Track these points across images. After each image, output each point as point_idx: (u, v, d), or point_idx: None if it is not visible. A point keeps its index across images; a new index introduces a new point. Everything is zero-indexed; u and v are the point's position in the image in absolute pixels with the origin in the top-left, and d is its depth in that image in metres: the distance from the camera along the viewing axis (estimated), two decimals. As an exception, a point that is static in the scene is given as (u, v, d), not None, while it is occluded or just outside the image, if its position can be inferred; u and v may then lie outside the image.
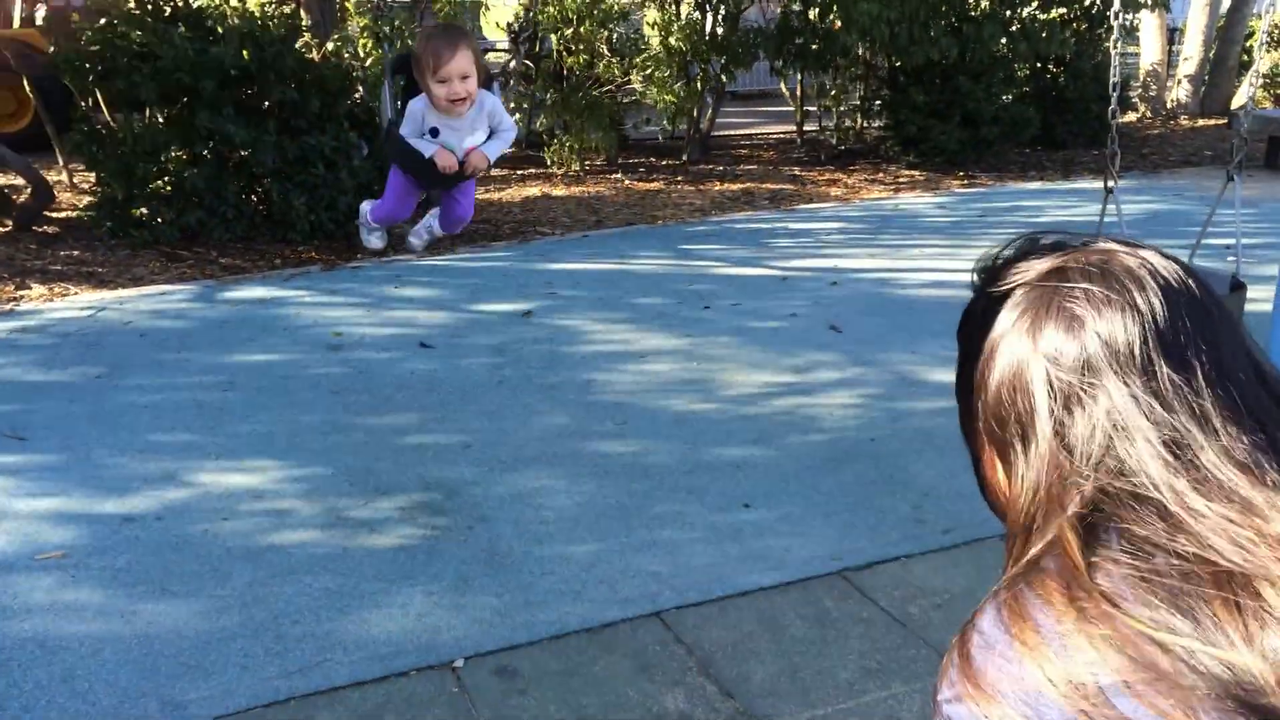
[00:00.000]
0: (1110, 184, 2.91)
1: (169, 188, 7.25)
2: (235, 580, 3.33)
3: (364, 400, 4.80)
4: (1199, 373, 0.82)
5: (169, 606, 3.20)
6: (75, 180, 9.41)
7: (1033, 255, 0.94)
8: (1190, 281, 0.87)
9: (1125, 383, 0.82)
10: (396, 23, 8.51)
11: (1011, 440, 0.88)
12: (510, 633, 3.07)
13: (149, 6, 7.60)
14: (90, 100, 7.84)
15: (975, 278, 0.99)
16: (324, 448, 4.30)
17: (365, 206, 4.06)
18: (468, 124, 3.48)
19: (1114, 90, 3.16)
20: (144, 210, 7.29)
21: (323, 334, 5.71)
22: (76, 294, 6.45)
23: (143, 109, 7.41)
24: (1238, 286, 2.81)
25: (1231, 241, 3.13)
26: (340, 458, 4.21)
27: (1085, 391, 0.84)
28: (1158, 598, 0.77)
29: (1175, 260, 0.90)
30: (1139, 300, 0.85)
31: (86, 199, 8.33)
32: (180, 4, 7.83)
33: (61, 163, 9.41)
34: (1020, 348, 0.88)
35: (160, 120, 7.28)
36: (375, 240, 4.11)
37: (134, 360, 5.29)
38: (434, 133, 3.49)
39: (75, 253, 7.34)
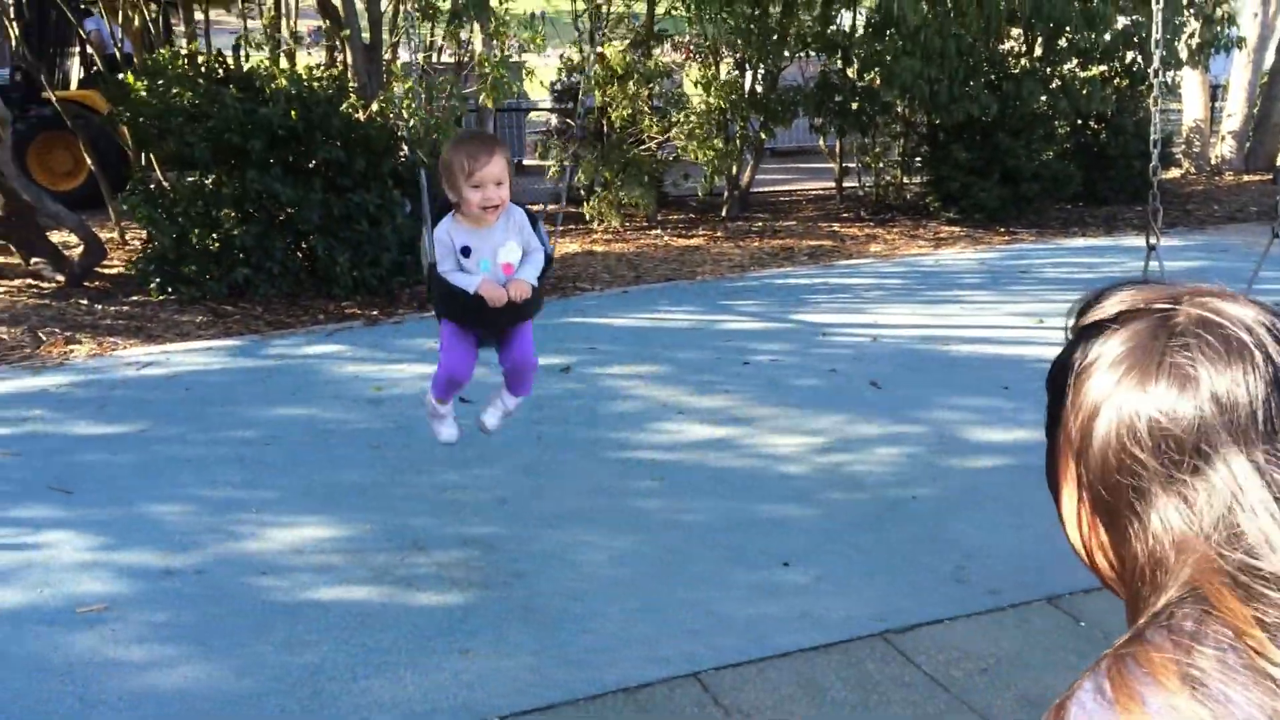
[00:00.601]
0: (1153, 240, 2.87)
1: (217, 245, 7.39)
2: (273, 635, 3.34)
3: (403, 455, 4.82)
4: None
5: (208, 661, 3.20)
6: (127, 236, 9.62)
7: (1133, 302, 0.86)
8: None
9: (1244, 450, 0.76)
10: (442, 83, 8.69)
11: (1119, 506, 0.82)
12: (547, 692, 3.04)
13: (202, 69, 7.81)
14: (144, 159, 8.04)
15: (1070, 324, 0.91)
16: (363, 503, 4.32)
17: (427, 395, 3.70)
18: (498, 235, 3.27)
19: (1155, 147, 3.14)
20: (193, 267, 7.43)
21: (363, 389, 5.76)
22: (125, 349, 6.56)
23: (194, 168, 7.58)
24: None
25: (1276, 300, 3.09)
26: (379, 513, 4.22)
27: (1201, 459, 0.77)
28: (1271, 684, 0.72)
29: None
30: (1258, 358, 0.77)
31: (137, 255, 8.51)
32: (231, 66, 8.04)
33: (114, 219, 9.63)
34: (1127, 407, 0.80)
35: (210, 179, 7.44)
36: (446, 431, 3.70)
37: (179, 414, 5.36)
38: (465, 251, 3.25)
39: (124, 308, 7.48)
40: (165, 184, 7.85)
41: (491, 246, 3.26)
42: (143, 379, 5.96)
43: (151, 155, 8.01)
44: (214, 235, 7.40)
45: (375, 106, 7.91)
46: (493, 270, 3.28)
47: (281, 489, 4.45)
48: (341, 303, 7.59)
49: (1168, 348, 0.80)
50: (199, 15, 10.74)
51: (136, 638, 3.33)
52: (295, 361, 6.30)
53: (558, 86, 12.87)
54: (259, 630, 3.37)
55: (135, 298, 7.68)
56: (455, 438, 3.74)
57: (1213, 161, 14.35)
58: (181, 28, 11.12)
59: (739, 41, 10.57)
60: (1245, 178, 13.73)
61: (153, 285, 7.54)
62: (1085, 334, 0.88)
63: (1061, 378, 0.89)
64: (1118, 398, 0.81)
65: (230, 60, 8.48)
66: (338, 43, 9.27)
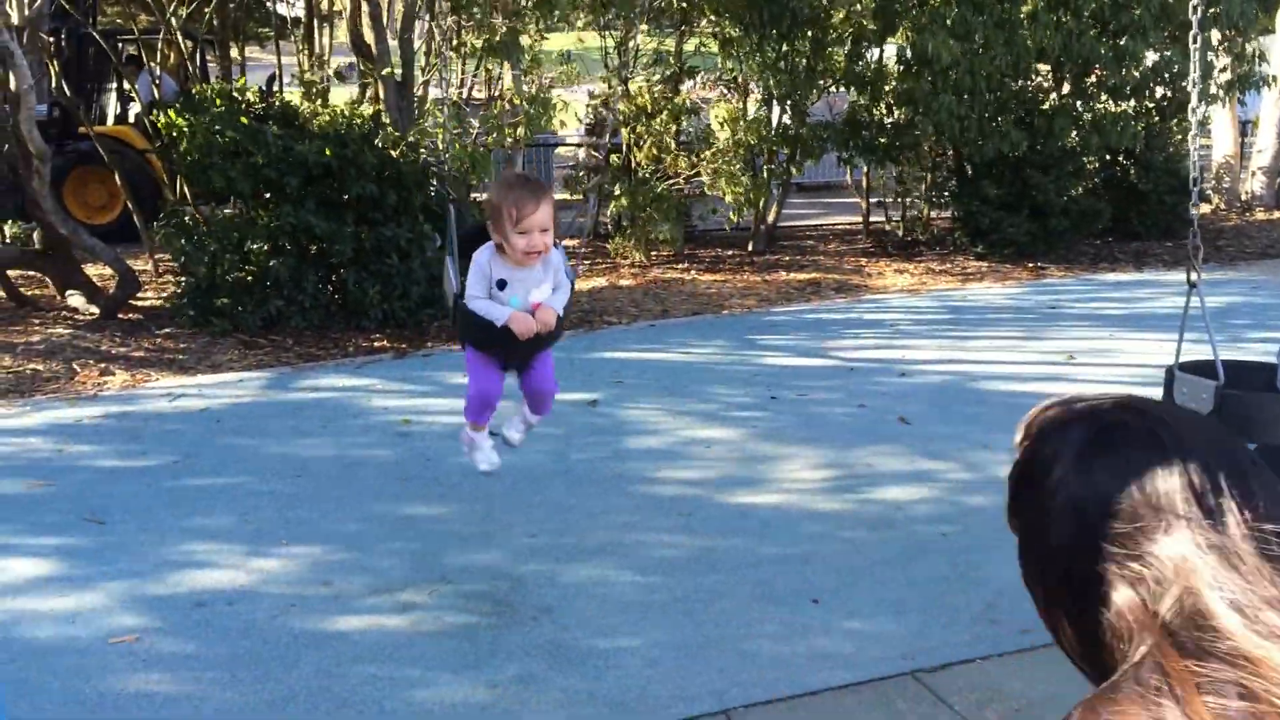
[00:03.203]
0: (1194, 278, 2.86)
1: (250, 278, 7.48)
2: (302, 668, 3.34)
3: (431, 488, 4.83)
4: (1240, 522, 0.86)
5: (237, 693, 3.21)
6: (160, 269, 9.75)
7: (1072, 414, 0.98)
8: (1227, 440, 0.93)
9: (1186, 529, 0.86)
10: (482, 118, 8.78)
11: (1077, 588, 0.91)
12: (574, 728, 3.03)
13: (243, 105, 7.95)
14: (179, 193, 8.17)
15: (1017, 440, 1.01)
16: (391, 535, 4.33)
17: (463, 429, 3.75)
18: (535, 275, 3.32)
19: (1194, 185, 3.13)
20: (226, 299, 7.52)
21: (392, 421, 5.79)
22: (157, 380, 6.63)
23: (230, 202, 7.69)
24: None
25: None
26: (407, 546, 4.23)
27: (1144, 537, 0.87)
28: None
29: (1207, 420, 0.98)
30: (1177, 453, 0.89)
31: (170, 288, 8.63)
32: (271, 103, 8.17)
33: (148, 253, 9.77)
34: (1074, 493, 0.91)
35: (245, 213, 7.55)
36: (484, 459, 3.70)
37: (210, 446, 5.40)
38: (501, 284, 3.30)
39: (158, 340, 7.57)
40: (199, 217, 7.96)
41: (526, 286, 3.32)
42: (175, 411, 6.02)
43: (186, 189, 8.14)
44: (246, 268, 7.49)
45: (410, 140, 8.01)
46: (522, 305, 3.33)
47: (310, 521, 4.47)
48: (371, 335, 7.66)
49: (1108, 445, 0.92)
50: (235, 53, 10.93)
51: (167, 669, 3.34)
52: (325, 394, 6.35)
53: (588, 122, 12.99)
54: (288, 662, 3.38)
55: (168, 330, 7.77)
56: (495, 465, 3.75)
57: (1243, 197, 14.26)
58: (216, 66, 11.33)
59: (768, 77, 10.63)
60: (1276, 214, 13.63)
61: (186, 318, 7.64)
62: (1033, 443, 0.99)
63: (1021, 492, 1.01)
64: (1069, 487, 0.92)
65: (264, 97, 8.62)
66: (371, 79, 9.41)
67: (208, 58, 12.40)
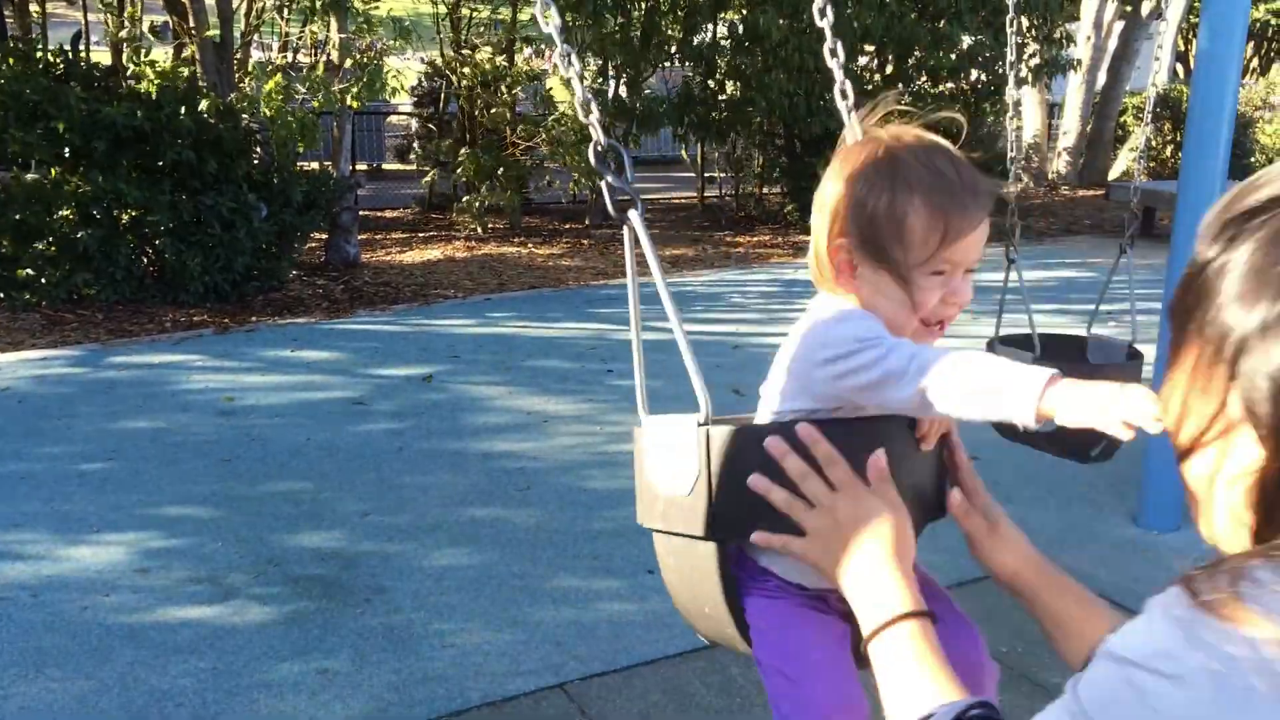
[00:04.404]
0: (1012, 254, 3.02)
1: (54, 248, 7.00)
2: (116, 661, 3.17)
3: (256, 468, 4.65)
4: None
5: (44, 689, 3.01)
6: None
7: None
8: None
9: None
10: (311, 79, 8.44)
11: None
12: (408, 710, 2.97)
13: (40, 65, 7.41)
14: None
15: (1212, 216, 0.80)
16: (213, 518, 4.15)
17: None
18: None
19: (1012, 164, 3.30)
20: (29, 270, 7.03)
21: (214, 399, 5.54)
22: (-49, 358, 6.15)
23: (30, 168, 7.17)
24: (1135, 355, 2.91)
25: (1114, 308, 3.26)
26: (231, 529, 4.06)
27: None
28: None
29: None
30: None
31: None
32: (75, 64, 7.64)
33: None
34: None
35: (50, 178, 7.05)
36: None
37: (11, 428, 5.05)
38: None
39: (-49, 315, 7.02)
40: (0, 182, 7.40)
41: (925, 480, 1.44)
42: (-29, 391, 5.60)
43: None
44: (51, 238, 7.01)
45: (231, 104, 7.64)
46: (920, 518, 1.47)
47: (126, 506, 4.24)
48: (190, 310, 7.30)
49: None
50: (35, 8, 10.20)
51: (-37, 668, 3.11)
52: (140, 371, 6.02)
53: (419, 90, 12.69)
54: (100, 656, 3.19)
55: (-38, 304, 7.22)
56: None
57: (1050, 177, 15.11)
58: (15, 23, 10.54)
59: (602, 49, 10.61)
60: (1080, 192, 14.51)
61: (-18, 290, 7.11)
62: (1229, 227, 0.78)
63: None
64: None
65: (69, 55, 8.06)
66: (186, 39, 8.92)
67: (5, 13, 11.50)
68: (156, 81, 7.45)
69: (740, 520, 1.28)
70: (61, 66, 7.60)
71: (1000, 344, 2.92)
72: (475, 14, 12.05)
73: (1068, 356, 2.97)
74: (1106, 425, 1.06)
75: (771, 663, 1.36)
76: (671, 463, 1.43)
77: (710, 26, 11.28)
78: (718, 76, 10.86)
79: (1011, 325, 3.17)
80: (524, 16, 11.58)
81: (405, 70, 11.79)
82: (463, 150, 10.67)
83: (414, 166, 12.19)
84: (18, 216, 6.93)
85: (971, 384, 1.17)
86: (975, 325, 3.14)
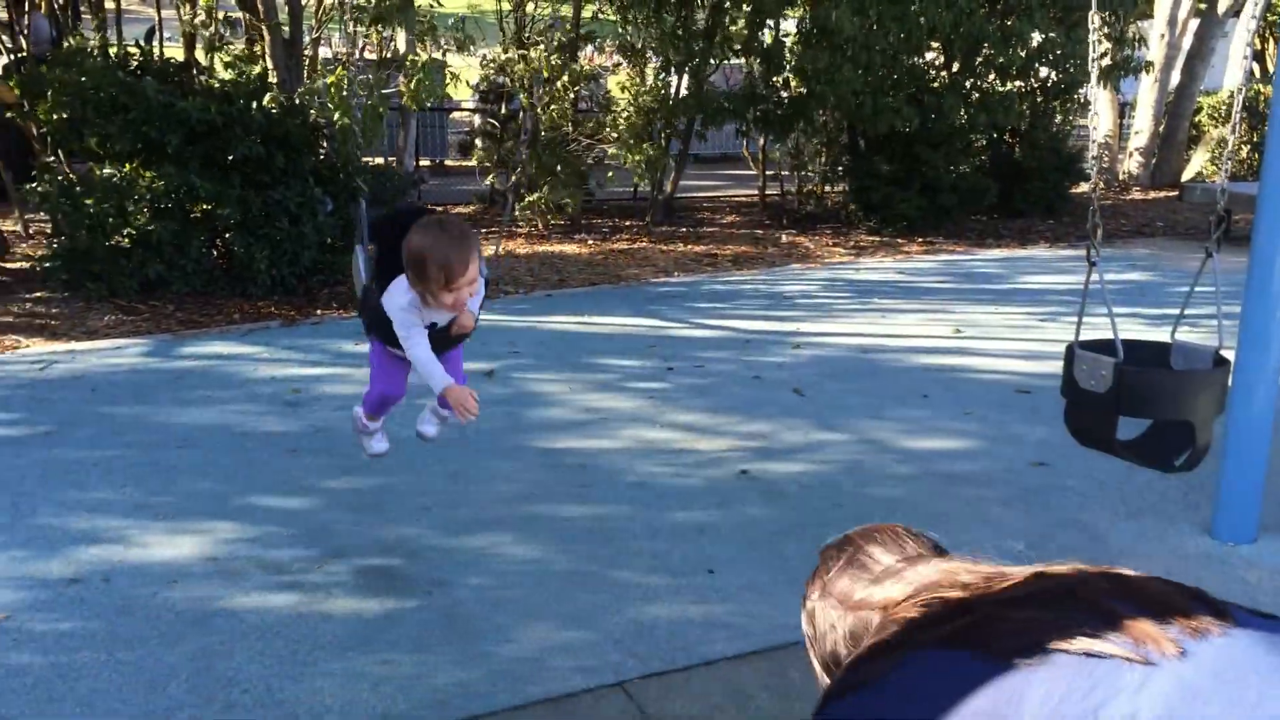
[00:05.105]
0: (1094, 255, 2.93)
1: (128, 241, 7.16)
2: (184, 646, 3.23)
3: (321, 460, 4.71)
4: None
5: (114, 673, 3.08)
6: (30, 230, 9.28)
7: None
8: None
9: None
10: (364, 81, 8.54)
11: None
12: (468, 703, 2.99)
13: (118, 60, 7.57)
14: (54, 152, 7.77)
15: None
16: (279, 508, 4.21)
17: (356, 410, 3.65)
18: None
19: (1092, 165, 3.22)
20: (102, 263, 7.19)
21: (281, 390, 5.63)
22: (28, 346, 6.32)
23: (108, 161, 7.33)
24: (1221, 361, 2.83)
25: (1193, 312, 3.17)
26: (296, 519, 4.12)
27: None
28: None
29: None
30: None
31: (41, 250, 8.21)
32: (149, 58, 7.80)
33: (17, 213, 9.28)
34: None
35: (124, 173, 7.20)
36: (376, 445, 3.66)
37: (85, 416, 5.17)
38: (432, 326, 3.14)
39: (28, 305, 7.21)
40: (75, 177, 7.58)
41: (448, 317, 3.15)
42: (47, 379, 5.74)
43: (59, 148, 7.74)
44: (126, 231, 7.17)
45: (299, 99, 7.74)
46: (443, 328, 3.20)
47: (195, 494, 4.32)
48: (258, 302, 7.42)
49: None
50: (110, 3, 10.42)
51: (40, 649, 3.19)
52: (209, 362, 6.13)
53: (482, 87, 12.77)
54: (169, 641, 3.25)
55: (39, 294, 7.41)
56: (386, 450, 3.67)
57: (1120, 177, 14.81)
58: (91, 18, 10.78)
59: (666, 46, 10.59)
60: (1151, 194, 14.19)
61: (59, 281, 7.28)
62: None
63: None
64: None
65: (143, 51, 8.23)
66: (257, 35, 9.06)
67: (80, 7, 11.78)
68: (232, 76, 7.57)
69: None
70: (138, 61, 7.76)
71: (1081, 348, 2.84)
72: (539, 10, 12.11)
73: (1151, 362, 2.89)
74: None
75: (371, 364, 3.41)
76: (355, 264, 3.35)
77: (774, 22, 11.21)
78: (783, 75, 10.78)
79: (1091, 329, 3.10)
80: (586, 14, 11.62)
81: (467, 68, 11.89)
82: (523, 148, 10.71)
83: (476, 163, 12.26)
84: (93, 209, 7.09)
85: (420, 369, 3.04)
86: (1056, 328, 3.06)
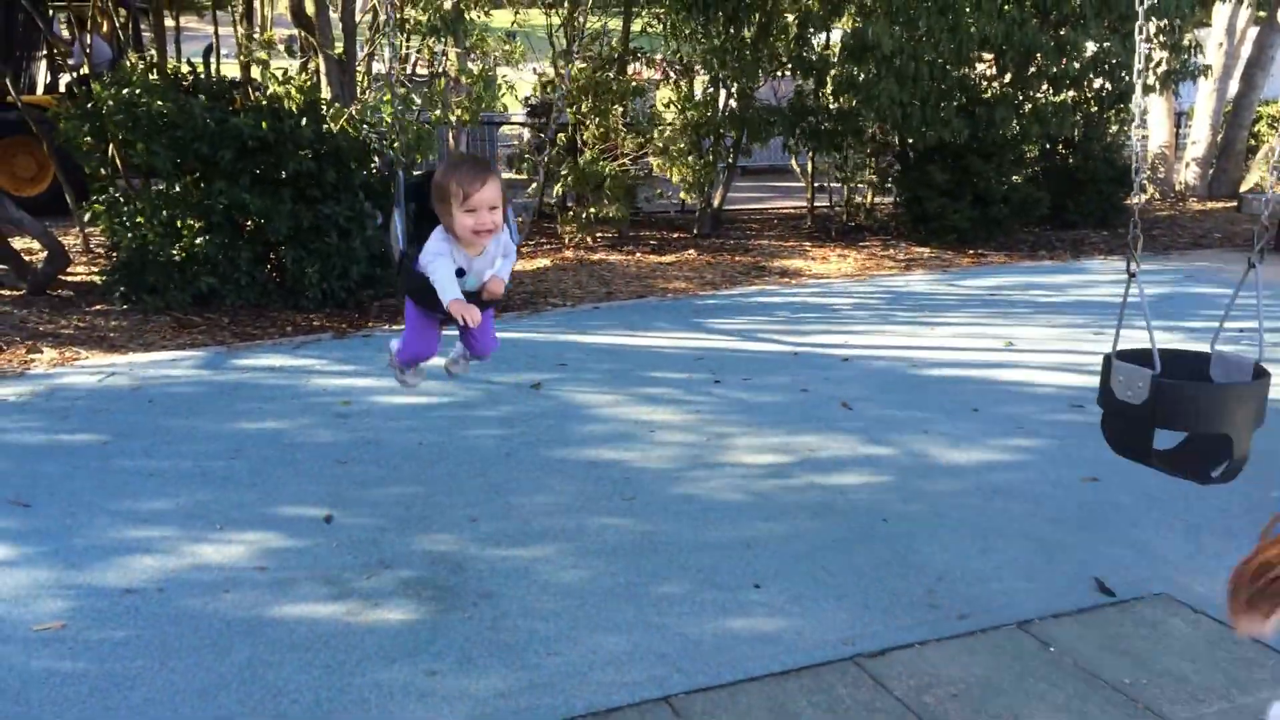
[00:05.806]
0: (1133, 267, 2.88)
1: (182, 254, 7.29)
2: (235, 655, 3.27)
3: (370, 471, 4.76)
4: None
5: (167, 682, 3.13)
6: (90, 245, 9.49)
7: None
8: None
9: None
10: (427, 95, 8.63)
11: None
12: (514, 716, 2.99)
13: (171, 77, 7.72)
14: (111, 166, 7.93)
15: None
16: (330, 519, 4.25)
17: (392, 345, 3.76)
18: (489, 258, 3.22)
19: (1136, 175, 3.16)
20: (157, 276, 7.33)
21: (331, 402, 5.69)
22: (87, 359, 6.45)
23: (159, 177, 7.48)
24: (1261, 373, 2.77)
25: (1244, 325, 3.11)
26: (346, 529, 4.16)
27: None
28: None
29: None
30: None
31: (101, 264, 8.40)
32: (201, 75, 7.95)
33: (78, 227, 9.50)
34: None
35: (177, 188, 7.35)
36: (410, 378, 3.80)
37: (141, 427, 5.26)
38: (459, 272, 3.19)
39: (87, 317, 7.36)
40: (130, 192, 7.74)
41: (479, 270, 3.21)
42: (105, 390, 5.86)
43: (118, 162, 7.91)
44: (179, 245, 7.30)
45: (351, 116, 7.85)
46: (476, 288, 3.25)
47: (247, 504, 4.38)
48: (309, 315, 7.52)
49: None
50: (169, 22, 10.64)
51: (95, 657, 3.25)
52: (262, 374, 6.22)
53: (532, 101, 12.86)
54: (221, 650, 3.30)
55: (99, 307, 7.56)
56: (419, 382, 3.88)
57: (1177, 188, 14.55)
58: (151, 35, 11.03)
59: (713, 60, 10.60)
60: (1209, 204, 13.93)
61: (118, 295, 7.43)
62: None
63: None
64: None
65: (200, 68, 8.39)
66: (312, 53, 9.21)
67: (141, 26, 12.06)
68: (288, 93, 7.68)
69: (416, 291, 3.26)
70: (190, 79, 7.91)
71: (1118, 359, 2.80)
72: (589, 25, 12.17)
73: (1191, 374, 2.84)
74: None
75: (406, 321, 3.47)
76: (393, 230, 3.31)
77: (822, 36, 11.17)
78: (828, 89, 10.74)
79: (1130, 341, 3.04)
80: (635, 27, 11.66)
81: (518, 82, 11.98)
82: (569, 161, 10.77)
83: (525, 175, 12.36)
84: (144, 226, 7.23)
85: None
86: (1096, 341, 3.02)
